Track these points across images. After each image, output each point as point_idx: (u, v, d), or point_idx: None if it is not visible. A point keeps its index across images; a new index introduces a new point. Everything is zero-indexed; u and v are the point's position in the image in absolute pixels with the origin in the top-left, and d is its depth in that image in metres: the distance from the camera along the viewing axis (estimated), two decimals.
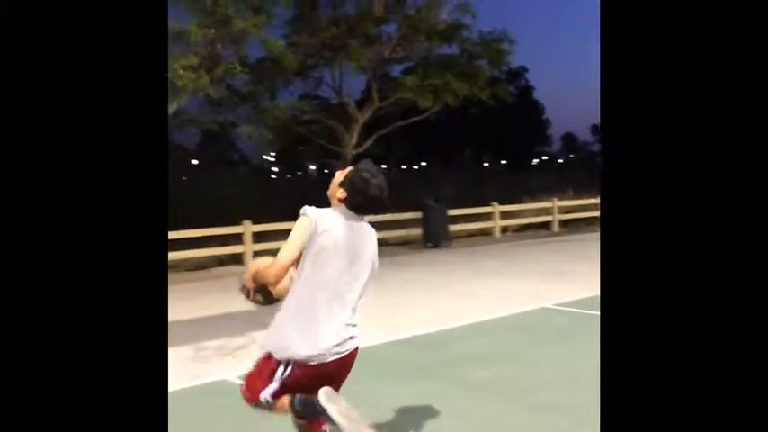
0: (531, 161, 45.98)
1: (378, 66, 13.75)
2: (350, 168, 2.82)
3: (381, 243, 2.85)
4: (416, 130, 15.86)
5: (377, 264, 2.83)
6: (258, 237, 12.87)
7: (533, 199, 18.40)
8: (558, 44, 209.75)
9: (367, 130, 15.13)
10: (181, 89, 11.47)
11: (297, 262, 2.67)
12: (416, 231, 14.61)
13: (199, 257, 12.34)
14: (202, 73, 11.32)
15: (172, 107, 11.72)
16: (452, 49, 14.91)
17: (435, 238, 14.16)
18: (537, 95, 50.71)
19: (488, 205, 16.21)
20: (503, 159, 42.43)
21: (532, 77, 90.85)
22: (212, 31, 11.57)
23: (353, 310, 2.73)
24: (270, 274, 2.64)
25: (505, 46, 14.38)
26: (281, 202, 17.77)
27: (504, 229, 16.69)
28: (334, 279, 2.66)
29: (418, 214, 14.53)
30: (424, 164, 40.08)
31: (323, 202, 2.86)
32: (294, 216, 2.76)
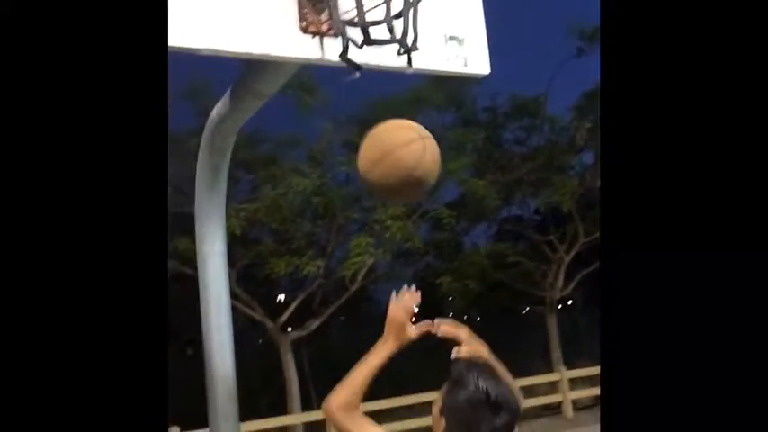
0: None
1: (580, 197, 12.47)
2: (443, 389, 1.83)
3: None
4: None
5: None
6: None
7: None
8: None
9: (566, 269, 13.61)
10: (387, 240, 10.65)
11: None
12: None
13: None
14: (407, 221, 10.49)
15: (371, 261, 10.86)
16: None
17: None
18: None
19: None
20: None
21: None
22: None
23: None
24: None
25: None
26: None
27: None
28: None
29: None
30: None
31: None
32: None
